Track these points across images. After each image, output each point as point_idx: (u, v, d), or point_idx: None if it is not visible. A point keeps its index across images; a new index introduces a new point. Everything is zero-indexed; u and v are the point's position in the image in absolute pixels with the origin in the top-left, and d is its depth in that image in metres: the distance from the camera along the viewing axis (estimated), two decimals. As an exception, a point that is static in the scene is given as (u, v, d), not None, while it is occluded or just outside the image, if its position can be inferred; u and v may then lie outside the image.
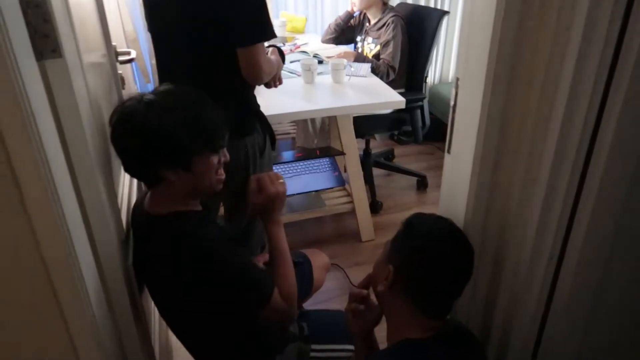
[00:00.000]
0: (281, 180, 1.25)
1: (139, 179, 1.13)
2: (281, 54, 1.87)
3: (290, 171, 2.39)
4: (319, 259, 1.61)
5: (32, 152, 0.69)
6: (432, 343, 0.96)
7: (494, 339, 1.14)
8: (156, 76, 3.06)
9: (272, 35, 1.46)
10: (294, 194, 2.34)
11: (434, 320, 0.99)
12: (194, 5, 1.41)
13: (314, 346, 1.33)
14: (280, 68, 1.78)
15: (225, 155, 1.15)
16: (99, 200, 0.94)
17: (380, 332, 1.13)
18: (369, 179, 2.69)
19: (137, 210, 1.22)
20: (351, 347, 1.34)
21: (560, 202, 0.89)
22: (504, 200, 1.00)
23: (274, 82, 1.76)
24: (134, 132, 1.03)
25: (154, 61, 3.03)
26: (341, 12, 3.28)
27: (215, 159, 1.11)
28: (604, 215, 0.87)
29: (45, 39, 0.78)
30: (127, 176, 1.38)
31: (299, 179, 2.36)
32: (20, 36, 0.70)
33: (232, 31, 1.39)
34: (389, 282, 1.00)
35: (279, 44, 2.82)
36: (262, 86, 1.89)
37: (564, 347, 1.03)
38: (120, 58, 1.59)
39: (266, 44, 1.59)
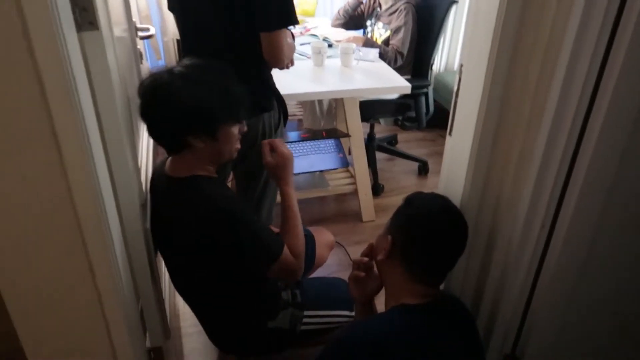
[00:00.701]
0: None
1: (164, 146, 1.19)
2: (292, 36, 1.93)
3: (297, 151, 2.46)
4: (323, 237, 1.69)
5: (73, 116, 0.76)
6: (425, 308, 1.04)
7: (484, 309, 1.22)
8: (168, 53, 3.12)
9: (295, 21, 1.52)
10: (299, 173, 2.42)
11: (428, 287, 1.07)
12: None
13: (307, 312, 1.39)
14: (293, 51, 1.84)
15: (243, 126, 1.23)
16: (124, 164, 1.02)
17: (380, 306, 1.22)
18: (372, 162, 2.76)
19: (156, 175, 1.30)
20: (345, 312, 1.42)
21: (552, 180, 0.97)
22: (500, 178, 1.08)
23: (287, 64, 1.84)
24: (167, 103, 1.11)
25: (166, 38, 3.10)
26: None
27: (236, 129, 1.20)
28: (591, 193, 0.95)
29: (84, 12, 0.85)
30: (145, 145, 1.45)
31: (304, 159, 2.43)
32: (65, 9, 0.77)
33: (258, 16, 1.45)
34: (387, 251, 1.08)
35: (290, 27, 2.87)
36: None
37: (549, 318, 1.11)
38: (140, 34, 1.66)
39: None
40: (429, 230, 1.05)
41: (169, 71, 1.13)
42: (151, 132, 1.19)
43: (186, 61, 1.18)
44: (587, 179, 0.94)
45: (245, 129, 1.24)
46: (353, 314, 1.41)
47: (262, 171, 1.69)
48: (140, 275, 1.16)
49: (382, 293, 1.18)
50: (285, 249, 1.23)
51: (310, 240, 1.62)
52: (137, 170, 1.20)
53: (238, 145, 1.24)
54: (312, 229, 1.68)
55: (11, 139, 0.75)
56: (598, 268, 1.06)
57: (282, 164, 1.32)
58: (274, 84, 1.71)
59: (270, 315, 1.35)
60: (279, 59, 1.55)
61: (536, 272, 1.08)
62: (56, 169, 0.78)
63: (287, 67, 1.84)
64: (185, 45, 1.69)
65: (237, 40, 1.53)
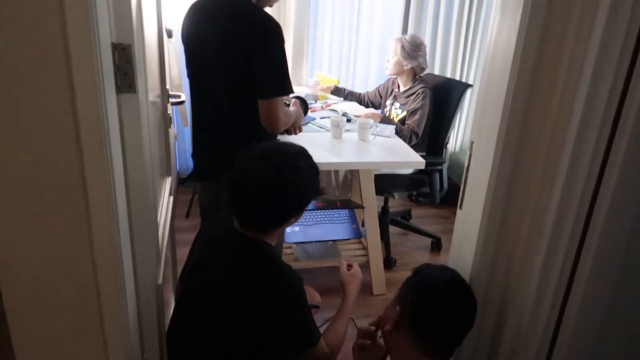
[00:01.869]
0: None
1: (259, 227, 1.24)
2: (304, 104, 2.07)
3: (311, 219, 2.49)
4: (309, 294, 1.69)
5: (102, 168, 0.81)
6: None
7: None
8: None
9: (290, 92, 1.70)
10: (312, 241, 2.43)
11: None
12: (230, 60, 1.64)
13: None
14: (300, 118, 1.99)
15: None
16: (146, 218, 1.06)
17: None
18: (385, 236, 2.77)
19: (221, 230, 1.32)
20: None
21: (561, 258, 0.97)
22: (510, 253, 1.09)
23: (294, 129, 2.00)
24: (275, 199, 1.17)
25: (194, 107, 3.25)
26: (372, 77, 3.52)
27: None
28: (603, 269, 0.95)
29: (125, 76, 0.93)
30: (165, 202, 1.50)
31: (318, 228, 2.46)
32: (108, 73, 0.85)
33: (256, 84, 1.62)
34: (395, 321, 1.08)
35: (311, 101, 3.02)
36: (285, 134, 2.09)
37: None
38: (171, 100, 1.77)
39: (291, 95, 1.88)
40: (437, 302, 1.05)
41: (261, 162, 1.17)
42: (252, 216, 1.22)
43: (282, 145, 1.28)
44: (597, 258, 0.94)
45: None
46: None
47: None
48: (148, 330, 1.16)
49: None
50: (322, 340, 1.25)
51: None
52: (156, 226, 1.24)
53: None
54: None
55: (42, 183, 0.80)
56: (611, 349, 1.03)
57: (353, 280, 1.50)
58: None
59: None
60: (273, 125, 1.69)
61: (548, 350, 1.06)
62: (81, 216, 0.83)
63: (295, 133, 2.02)
64: (193, 110, 1.84)
65: (238, 106, 1.68)
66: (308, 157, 1.27)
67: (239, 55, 1.61)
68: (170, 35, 2.89)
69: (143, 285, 1.11)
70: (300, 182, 1.20)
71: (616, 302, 0.99)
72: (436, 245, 2.98)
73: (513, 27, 0.95)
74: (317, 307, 1.58)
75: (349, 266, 1.55)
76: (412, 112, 2.71)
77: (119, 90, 0.93)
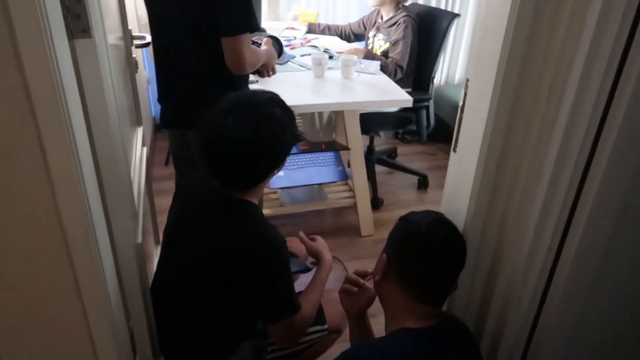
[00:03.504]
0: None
1: (240, 186, 1.17)
2: (279, 45, 1.93)
3: (295, 163, 2.42)
4: (293, 244, 1.67)
5: (60, 127, 0.72)
6: (426, 332, 1.00)
7: (487, 333, 1.18)
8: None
9: (255, 28, 1.57)
10: (297, 186, 2.38)
11: (428, 307, 1.03)
12: None
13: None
14: (272, 58, 1.86)
15: None
16: (116, 177, 0.98)
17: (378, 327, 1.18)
18: (371, 176, 2.72)
19: (200, 184, 1.25)
20: (316, 327, 1.36)
21: (560, 202, 0.93)
22: (506, 197, 1.04)
23: (266, 71, 1.86)
24: (267, 145, 1.10)
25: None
26: (354, 9, 3.32)
27: None
28: (601, 217, 0.91)
29: (77, 19, 0.82)
30: (138, 157, 1.41)
31: (303, 171, 2.39)
32: (56, 16, 0.73)
33: (219, 22, 1.50)
34: (383, 270, 1.06)
35: (290, 37, 2.86)
36: (269, 78, 1.96)
37: (555, 343, 1.07)
38: (136, 42, 1.63)
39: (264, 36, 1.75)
40: (423, 244, 1.02)
41: (231, 117, 1.08)
42: (226, 182, 1.16)
43: (261, 93, 1.18)
44: (597, 200, 0.90)
45: None
46: (326, 327, 1.37)
47: None
48: (131, 293, 1.11)
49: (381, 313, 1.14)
50: (300, 311, 1.20)
51: None
52: (130, 182, 1.15)
53: None
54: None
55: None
56: (607, 292, 1.02)
57: (322, 251, 1.43)
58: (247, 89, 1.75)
59: (231, 349, 1.26)
60: (238, 65, 1.56)
61: (542, 295, 1.04)
62: (42, 182, 0.74)
63: (269, 75, 1.90)
64: (154, 50, 1.72)
65: (202, 45, 1.57)
66: (281, 103, 1.16)
67: None
68: (133, -31, 2.66)
69: (121, 245, 1.04)
70: (277, 132, 1.10)
71: (614, 245, 0.96)
72: (423, 183, 2.95)
73: (515, -52, 0.84)
74: (309, 269, 1.55)
75: (321, 244, 1.50)
76: (394, 44, 2.59)
77: (72, 35, 0.82)
